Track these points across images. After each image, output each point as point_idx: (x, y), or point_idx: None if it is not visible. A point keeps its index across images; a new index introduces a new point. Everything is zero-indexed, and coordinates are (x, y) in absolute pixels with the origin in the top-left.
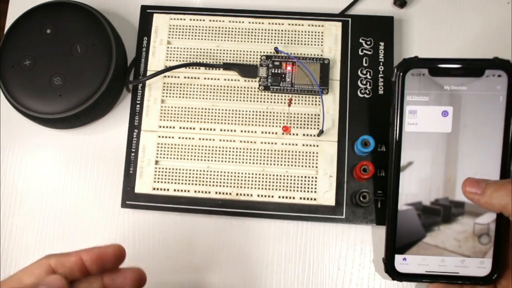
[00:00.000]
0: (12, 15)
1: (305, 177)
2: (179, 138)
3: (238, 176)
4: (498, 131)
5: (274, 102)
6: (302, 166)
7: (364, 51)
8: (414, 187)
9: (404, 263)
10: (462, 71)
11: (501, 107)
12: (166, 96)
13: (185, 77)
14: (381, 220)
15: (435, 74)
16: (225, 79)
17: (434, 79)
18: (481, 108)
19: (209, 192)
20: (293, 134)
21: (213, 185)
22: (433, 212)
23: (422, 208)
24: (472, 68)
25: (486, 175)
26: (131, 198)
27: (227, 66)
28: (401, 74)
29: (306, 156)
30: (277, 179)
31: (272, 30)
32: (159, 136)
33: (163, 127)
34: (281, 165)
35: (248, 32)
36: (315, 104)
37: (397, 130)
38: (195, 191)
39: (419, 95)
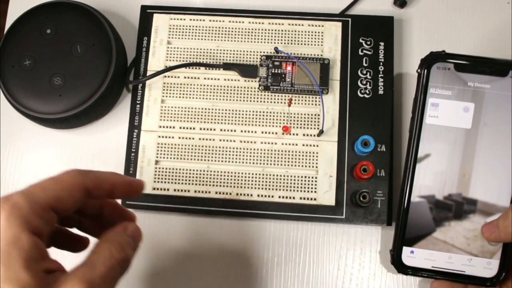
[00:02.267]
0: (12, 15)
1: (305, 177)
2: (179, 138)
3: (238, 176)
4: None
5: (274, 102)
6: (302, 166)
7: (364, 51)
8: (429, 179)
9: (411, 256)
10: (487, 69)
11: None
12: (166, 96)
13: (185, 77)
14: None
15: (460, 69)
16: (225, 79)
17: (459, 74)
18: (502, 107)
19: (209, 192)
20: (293, 134)
21: (213, 185)
22: (445, 207)
23: (434, 202)
24: (497, 67)
25: (501, 175)
26: (131, 198)
27: (227, 66)
28: (426, 66)
29: (306, 156)
30: (277, 179)
31: (272, 30)
32: (159, 136)
33: (163, 127)
34: (281, 165)
35: (248, 32)
36: (315, 104)
37: (418, 121)
38: (195, 191)
39: (442, 89)
